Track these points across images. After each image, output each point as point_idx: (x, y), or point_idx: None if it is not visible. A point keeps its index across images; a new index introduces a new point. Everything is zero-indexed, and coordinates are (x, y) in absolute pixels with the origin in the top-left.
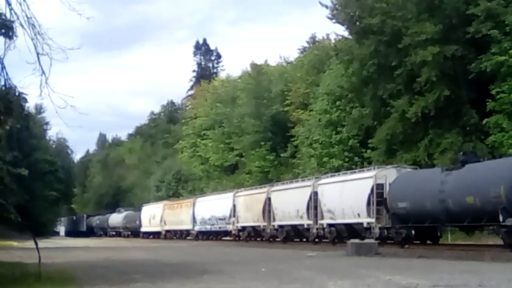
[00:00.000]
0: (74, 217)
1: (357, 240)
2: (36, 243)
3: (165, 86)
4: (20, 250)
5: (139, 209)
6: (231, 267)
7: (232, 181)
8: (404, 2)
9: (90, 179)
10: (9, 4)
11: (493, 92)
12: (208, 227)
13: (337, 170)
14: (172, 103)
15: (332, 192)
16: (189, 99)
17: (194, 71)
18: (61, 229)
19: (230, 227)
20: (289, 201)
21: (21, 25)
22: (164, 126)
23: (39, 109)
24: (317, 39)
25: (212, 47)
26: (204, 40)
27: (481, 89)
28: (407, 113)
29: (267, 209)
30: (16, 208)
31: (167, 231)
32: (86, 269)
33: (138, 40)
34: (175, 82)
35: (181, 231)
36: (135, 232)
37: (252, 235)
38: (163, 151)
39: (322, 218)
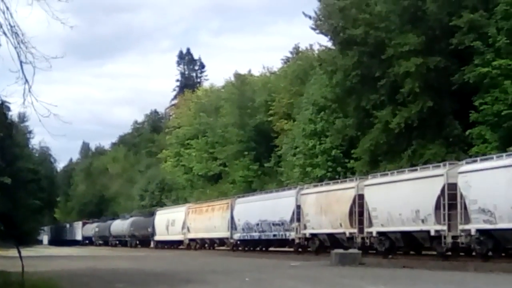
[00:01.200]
0: (68, 225)
1: (341, 250)
2: (19, 252)
3: (148, 95)
4: (3, 258)
5: (150, 214)
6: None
7: (216, 190)
8: (387, 14)
9: (73, 188)
10: None
11: (476, 103)
12: (256, 235)
13: (320, 180)
14: (155, 112)
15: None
16: (172, 109)
17: (177, 80)
18: (45, 238)
19: (292, 235)
20: (401, 199)
21: (4, 33)
22: (147, 135)
23: (22, 117)
24: (300, 49)
25: (195, 56)
26: (188, 49)
27: (464, 100)
28: (390, 123)
29: (356, 210)
30: None
31: (192, 239)
32: (70, 278)
33: (122, 49)
34: (158, 91)
35: (213, 240)
36: (145, 241)
37: (327, 244)
38: (146, 160)
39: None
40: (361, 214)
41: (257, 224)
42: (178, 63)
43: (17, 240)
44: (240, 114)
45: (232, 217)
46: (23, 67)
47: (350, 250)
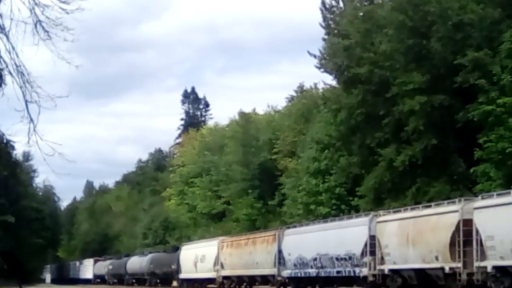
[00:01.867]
0: (78, 263)
1: None
2: None
3: (153, 133)
4: None
5: (174, 250)
6: None
7: (220, 228)
8: (392, 52)
9: (76, 226)
10: None
11: (481, 141)
12: (312, 271)
13: (324, 217)
14: (160, 150)
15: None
16: (177, 147)
17: (182, 119)
18: (47, 276)
19: (363, 271)
20: None
21: (10, 73)
22: (151, 174)
23: (26, 156)
24: (305, 88)
25: (200, 95)
26: (193, 88)
27: (468, 138)
28: (394, 161)
29: (461, 239)
30: (2, 255)
31: (226, 277)
32: None
33: (127, 88)
34: (163, 130)
35: (253, 278)
36: (167, 280)
37: (412, 283)
38: (150, 198)
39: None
40: (466, 244)
41: (315, 259)
42: (183, 102)
43: (20, 279)
44: (244, 152)
45: (279, 251)
46: (28, 106)
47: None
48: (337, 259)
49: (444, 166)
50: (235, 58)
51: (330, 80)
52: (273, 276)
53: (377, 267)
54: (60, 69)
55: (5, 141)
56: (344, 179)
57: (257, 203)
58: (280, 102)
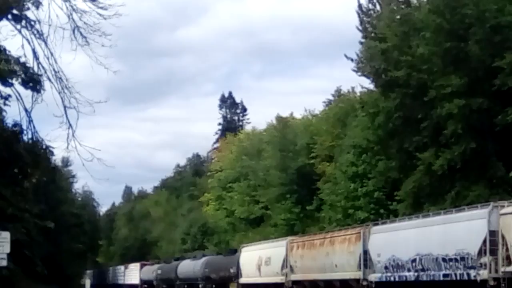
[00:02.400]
0: (123, 267)
1: None
2: None
3: (190, 139)
4: None
5: (232, 252)
6: None
7: (258, 233)
8: (429, 55)
9: (115, 231)
10: (37, 58)
11: None
12: (410, 275)
13: (362, 221)
14: (197, 155)
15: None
16: (214, 152)
17: (219, 124)
18: (87, 282)
19: (482, 274)
20: None
21: (49, 79)
22: (189, 179)
23: (65, 162)
24: (342, 92)
25: (237, 100)
26: (230, 93)
27: (507, 142)
28: (433, 165)
29: None
30: (42, 261)
31: (297, 282)
32: None
33: (164, 93)
34: (200, 135)
35: (331, 282)
36: (224, 285)
37: None
38: (188, 203)
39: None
40: None
41: (413, 260)
42: (220, 107)
43: (60, 284)
44: (282, 157)
45: (365, 252)
46: (67, 112)
47: None
48: (444, 260)
49: (483, 170)
50: (272, 62)
51: (367, 83)
52: (357, 280)
53: (500, 270)
54: (98, 74)
55: (44, 146)
56: (383, 183)
57: (295, 208)
58: (318, 106)
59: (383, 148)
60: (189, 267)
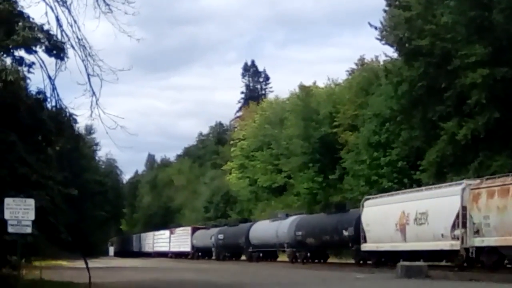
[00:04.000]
0: (159, 232)
1: (406, 262)
2: (86, 263)
3: (213, 107)
4: (71, 269)
5: (341, 208)
6: None
7: (281, 202)
8: (454, 24)
9: (139, 199)
10: (60, 26)
11: None
12: None
13: (386, 190)
14: (220, 124)
15: None
16: (237, 121)
17: (242, 92)
18: (111, 249)
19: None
20: None
21: (72, 46)
22: (212, 147)
23: (89, 129)
24: (365, 60)
25: (260, 68)
26: (253, 61)
27: None
28: (457, 135)
29: None
30: (66, 228)
31: (488, 249)
32: None
33: (187, 62)
34: (223, 103)
35: None
36: (322, 253)
37: None
38: (211, 172)
39: None
40: None
41: None
42: (243, 75)
43: (84, 251)
44: (304, 126)
45: None
46: (90, 79)
47: (416, 263)
48: None
49: (506, 140)
50: (295, 31)
51: (391, 52)
52: None
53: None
54: (122, 42)
55: (68, 114)
56: (406, 152)
57: (318, 177)
58: (341, 75)
59: (407, 117)
60: (269, 230)
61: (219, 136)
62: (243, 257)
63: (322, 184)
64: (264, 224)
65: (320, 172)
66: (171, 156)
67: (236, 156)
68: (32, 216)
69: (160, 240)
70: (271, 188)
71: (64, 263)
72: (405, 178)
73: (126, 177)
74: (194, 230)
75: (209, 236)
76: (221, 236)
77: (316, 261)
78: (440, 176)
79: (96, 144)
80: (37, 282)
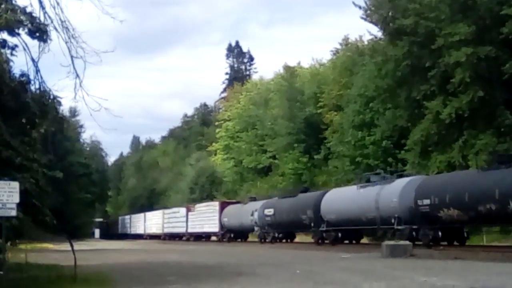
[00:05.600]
0: (173, 210)
1: (392, 242)
2: (71, 246)
3: (198, 88)
4: (56, 252)
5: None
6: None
7: (266, 183)
8: (437, 3)
9: (124, 181)
10: (43, 8)
11: None
12: None
13: (371, 170)
14: (205, 105)
15: None
16: (222, 102)
17: (227, 73)
18: (96, 232)
19: None
20: None
21: (55, 28)
22: (197, 129)
23: (73, 112)
24: (350, 40)
25: (244, 49)
26: (237, 42)
27: None
28: (441, 114)
29: None
30: (51, 211)
31: None
32: (121, 271)
33: (171, 43)
34: (208, 84)
35: None
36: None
37: None
38: (196, 153)
39: None
40: None
41: None
42: (227, 56)
43: (69, 234)
44: (289, 106)
45: None
46: (74, 61)
47: (401, 242)
48: None
49: (491, 118)
50: (279, 11)
51: (375, 31)
52: None
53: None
54: (105, 24)
55: (52, 96)
56: (390, 132)
57: (303, 157)
58: (325, 55)
59: (391, 96)
60: (357, 198)
61: (204, 117)
62: (302, 238)
63: (307, 165)
64: (348, 190)
65: (305, 152)
66: (156, 137)
67: (221, 137)
68: (16, 199)
69: (172, 220)
70: (256, 169)
71: (49, 246)
72: (390, 157)
73: (111, 159)
74: (222, 206)
75: (247, 212)
76: (269, 211)
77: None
78: (425, 155)
79: (81, 127)
80: (23, 265)
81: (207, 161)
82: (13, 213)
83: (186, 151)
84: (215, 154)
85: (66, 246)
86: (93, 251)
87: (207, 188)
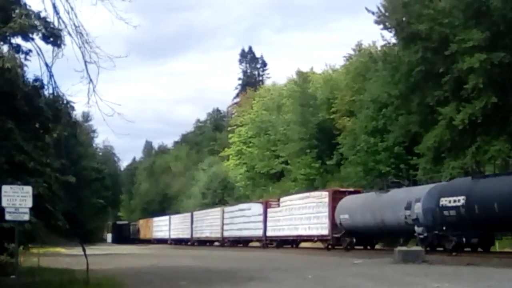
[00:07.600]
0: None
1: (404, 248)
2: (84, 250)
3: (211, 93)
4: (68, 256)
5: None
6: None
7: (278, 188)
8: (451, 9)
9: (136, 186)
10: (57, 13)
11: None
12: None
13: (383, 176)
14: (217, 110)
15: None
16: (234, 107)
17: (239, 78)
18: (108, 236)
19: None
20: None
21: (69, 33)
22: (210, 134)
23: (86, 117)
24: (363, 46)
25: (257, 54)
26: (250, 48)
27: None
28: (454, 120)
29: None
30: (63, 215)
31: None
32: (133, 275)
33: (184, 48)
34: (221, 89)
35: None
36: None
37: None
38: (209, 158)
39: None
40: None
41: None
42: (240, 61)
43: (81, 238)
44: (302, 111)
45: None
46: (87, 66)
47: (414, 248)
48: None
49: (504, 124)
50: (292, 16)
51: (389, 37)
52: None
53: None
54: (118, 29)
55: (65, 101)
56: (403, 138)
57: (315, 163)
58: (338, 60)
59: (404, 102)
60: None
61: (217, 123)
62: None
63: (319, 170)
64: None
65: (317, 158)
66: (169, 142)
67: (233, 142)
68: (29, 203)
69: (237, 220)
70: (269, 174)
71: (62, 250)
72: (402, 163)
73: (123, 164)
74: (337, 197)
75: (395, 204)
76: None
77: None
78: (438, 161)
79: (94, 131)
80: (35, 269)
81: (219, 166)
82: (26, 217)
83: (199, 156)
84: (228, 159)
85: (78, 251)
86: (106, 255)
87: (219, 193)
